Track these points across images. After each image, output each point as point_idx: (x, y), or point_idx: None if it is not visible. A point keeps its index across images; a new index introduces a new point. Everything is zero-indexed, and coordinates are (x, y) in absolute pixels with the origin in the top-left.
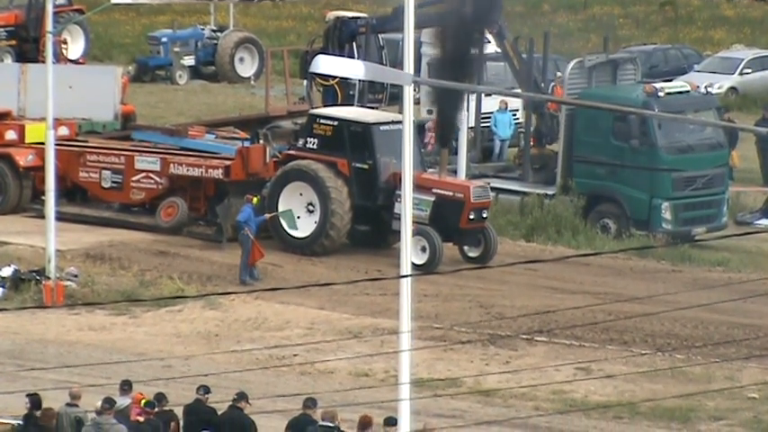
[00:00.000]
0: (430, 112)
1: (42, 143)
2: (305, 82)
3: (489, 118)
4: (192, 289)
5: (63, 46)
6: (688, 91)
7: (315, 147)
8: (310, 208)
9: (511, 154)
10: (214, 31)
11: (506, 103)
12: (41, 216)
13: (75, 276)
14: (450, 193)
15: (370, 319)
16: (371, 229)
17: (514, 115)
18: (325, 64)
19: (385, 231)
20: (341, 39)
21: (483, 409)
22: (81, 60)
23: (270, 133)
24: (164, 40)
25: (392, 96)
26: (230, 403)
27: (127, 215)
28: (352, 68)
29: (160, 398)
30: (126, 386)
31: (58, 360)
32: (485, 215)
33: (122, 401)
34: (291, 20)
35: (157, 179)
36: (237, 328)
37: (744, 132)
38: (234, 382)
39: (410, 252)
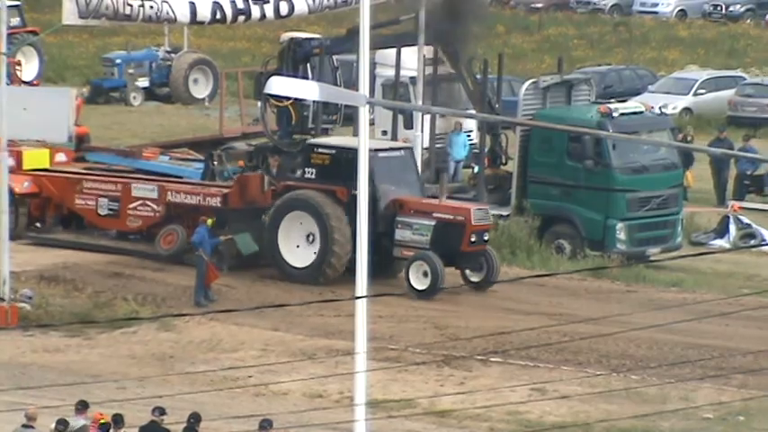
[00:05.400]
0: (384, 133)
1: (40, 169)
2: (259, 103)
3: (443, 139)
4: (147, 310)
5: (17, 67)
6: (642, 111)
7: (313, 177)
8: (310, 238)
9: (465, 175)
10: (168, 52)
11: (461, 124)
12: (38, 243)
13: (30, 298)
14: (451, 217)
15: (324, 341)
16: (372, 258)
17: (469, 136)
18: (280, 85)
19: (387, 259)
20: (295, 60)
21: (438, 430)
22: (35, 82)
23: (224, 154)
24: (118, 61)
25: (346, 117)
26: (185, 425)
27: (124, 243)
28: (306, 90)
29: (117, 419)
30: (80, 406)
31: (12, 382)
32: (486, 238)
33: (77, 422)
34: (246, 41)
35: (154, 207)
36: (192, 349)
37: (698, 153)
38: (188, 404)
39: (363, 277)
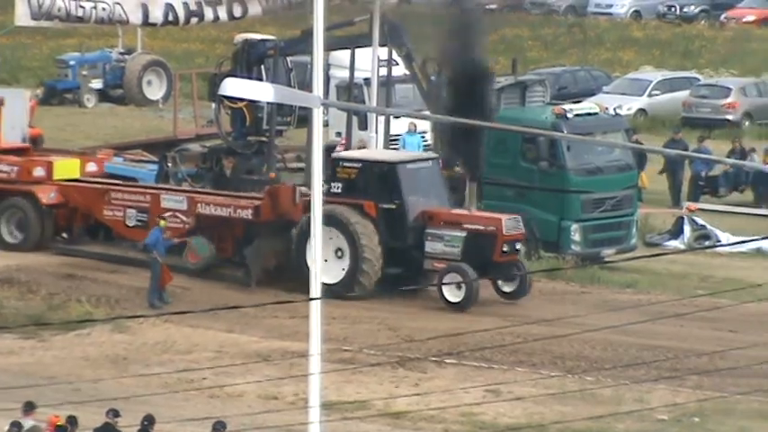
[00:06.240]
0: (338, 134)
1: (69, 180)
2: (213, 105)
3: (398, 140)
4: (101, 312)
5: None
6: (597, 113)
7: (339, 191)
8: (339, 253)
9: None
10: (122, 53)
11: (415, 125)
12: (64, 253)
13: None
14: (482, 228)
15: (278, 342)
16: (403, 272)
17: (423, 137)
18: (234, 87)
19: (417, 273)
20: (249, 61)
21: None
22: None
23: (178, 156)
24: (71, 63)
25: (301, 119)
26: (139, 427)
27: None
28: (260, 91)
29: (72, 421)
30: (27, 407)
31: None
32: (518, 248)
33: (25, 423)
34: (200, 42)
35: (184, 218)
36: (146, 351)
37: (652, 154)
38: (143, 406)
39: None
